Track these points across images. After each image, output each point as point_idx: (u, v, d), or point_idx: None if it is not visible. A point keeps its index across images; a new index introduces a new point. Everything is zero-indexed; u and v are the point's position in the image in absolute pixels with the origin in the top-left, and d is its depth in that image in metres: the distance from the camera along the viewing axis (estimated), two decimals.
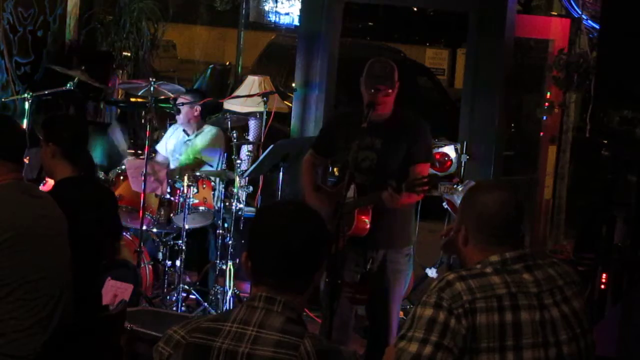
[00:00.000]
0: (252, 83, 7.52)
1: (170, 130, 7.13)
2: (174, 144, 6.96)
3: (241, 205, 6.35)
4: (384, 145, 4.79)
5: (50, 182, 4.95)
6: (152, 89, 6.32)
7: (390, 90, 4.72)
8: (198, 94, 7.11)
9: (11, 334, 3.38)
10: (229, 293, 6.20)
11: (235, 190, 6.29)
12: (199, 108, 6.87)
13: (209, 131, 6.89)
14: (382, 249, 4.84)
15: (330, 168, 6.72)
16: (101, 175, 6.48)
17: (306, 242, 2.35)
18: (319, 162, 5.24)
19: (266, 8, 15.99)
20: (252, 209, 6.99)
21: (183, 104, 6.87)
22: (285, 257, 2.33)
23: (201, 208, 6.31)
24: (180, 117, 6.88)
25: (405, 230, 4.95)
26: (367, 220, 4.73)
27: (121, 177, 6.42)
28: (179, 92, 6.84)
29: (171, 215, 6.34)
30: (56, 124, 4.32)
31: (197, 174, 6.39)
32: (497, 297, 2.68)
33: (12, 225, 3.41)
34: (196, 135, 6.89)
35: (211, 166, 6.73)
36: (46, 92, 6.83)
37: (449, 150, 6.85)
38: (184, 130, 6.92)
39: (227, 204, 6.36)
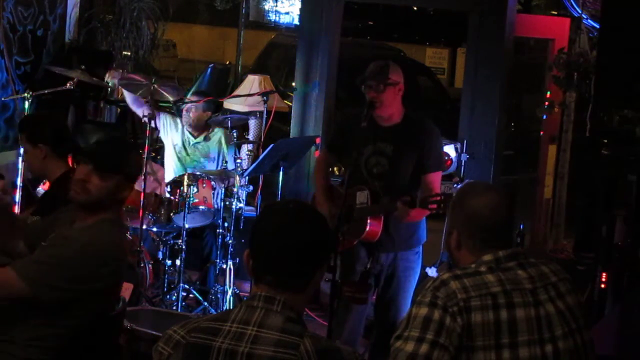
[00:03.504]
0: (252, 82, 7.51)
1: (169, 118, 7.00)
2: (181, 140, 6.89)
3: (241, 205, 6.35)
4: (394, 151, 4.82)
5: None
6: (152, 88, 6.31)
7: (381, 87, 4.74)
8: (204, 96, 7.05)
9: None
10: (229, 292, 6.20)
11: (235, 189, 6.29)
12: (209, 113, 6.84)
13: (219, 133, 6.85)
14: (394, 251, 4.88)
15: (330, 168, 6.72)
16: None
17: (307, 242, 2.36)
18: (333, 160, 5.33)
19: (266, 7, 16.00)
20: (252, 208, 6.99)
21: (185, 103, 6.86)
22: (285, 255, 2.34)
23: (201, 207, 6.30)
24: (188, 120, 6.83)
25: (416, 232, 4.99)
26: (379, 224, 4.77)
27: None
28: (180, 93, 6.82)
29: (171, 214, 6.33)
30: (37, 125, 4.22)
31: (197, 173, 6.39)
32: (491, 295, 2.69)
33: None
34: (205, 138, 6.85)
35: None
36: (46, 91, 6.82)
37: (449, 150, 6.85)
38: (189, 132, 6.88)
39: (227, 203, 6.36)
